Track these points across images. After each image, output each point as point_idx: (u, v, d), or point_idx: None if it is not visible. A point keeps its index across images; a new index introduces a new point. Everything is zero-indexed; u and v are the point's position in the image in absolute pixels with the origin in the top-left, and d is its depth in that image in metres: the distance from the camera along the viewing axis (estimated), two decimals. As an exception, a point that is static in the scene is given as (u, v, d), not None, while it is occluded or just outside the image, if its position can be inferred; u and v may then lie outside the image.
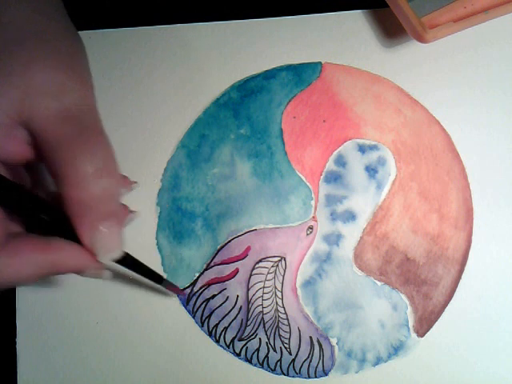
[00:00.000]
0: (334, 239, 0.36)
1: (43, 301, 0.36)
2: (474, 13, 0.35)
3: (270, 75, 0.38)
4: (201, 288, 0.36)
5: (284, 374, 0.35)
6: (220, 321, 0.36)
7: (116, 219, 0.25)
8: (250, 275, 0.36)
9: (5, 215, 0.25)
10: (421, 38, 0.35)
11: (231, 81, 0.38)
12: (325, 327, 0.35)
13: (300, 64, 0.38)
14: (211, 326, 0.36)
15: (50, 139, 0.24)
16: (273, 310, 0.36)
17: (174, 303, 0.36)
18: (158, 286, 0.33)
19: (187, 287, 0.36)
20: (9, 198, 0.25)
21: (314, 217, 0.36)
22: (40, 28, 0.26)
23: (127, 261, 0.29)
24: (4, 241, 0.25)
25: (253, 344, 0.35)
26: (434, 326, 0.35)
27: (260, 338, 0.35)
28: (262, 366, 0.35)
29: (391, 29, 0.39)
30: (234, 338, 0.35)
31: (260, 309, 0.36)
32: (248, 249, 0.36)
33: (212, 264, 0.36)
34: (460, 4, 0.36)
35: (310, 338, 0.35)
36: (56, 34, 0.26)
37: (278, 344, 0.35)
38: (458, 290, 0.35)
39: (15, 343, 0.36)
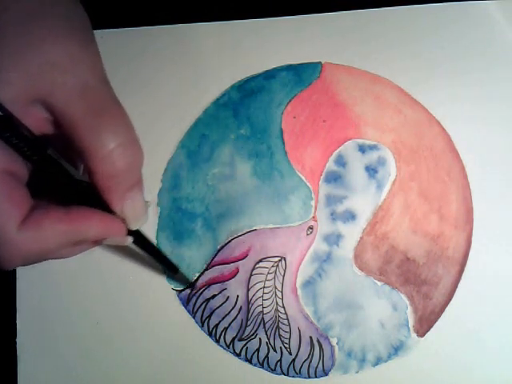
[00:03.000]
0: (334, 239, 0.36)
1: (43, 301, 0.36)
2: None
3: (270, 75, 0.38)
4: (201, 288, 0.36)
5: (284, 374, 0.35)
6: (220, 321, 0.36)
7: (140, 189, 0.27)
8: (250, 275, 0.36)
9: (26, 191, 0.25)
10: None
11: (231, 81, 0.38)
12: (325, 327, 0.35)
13: (300, 64, 0.38)
14: (211, 326, 0.36)
15: (72, 114, 0.24)
16: (273, 310, 0.36)
17: (174, 303, 0.36)
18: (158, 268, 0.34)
19: (187, 287, 0.36)
20: (33, 160, 0.25)
21: (314, 217, 0.37)
22: (51, 1, 0.25)
23: (142, 238, 0.30)
24: (28, 213, 0.25)
25: (253, 344, 0.35)
26: (433, 326, 0.35)
27: (260, 338, 0.35)
28: (262, 366, 0.35)
29: (391, 29, 0.39)
30: (234, 338, 0.35)
31: (260, 309, 0.36)
32: (248, 249, 0.36)
33: (212, 264, 0.36)
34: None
35: (310, 338, 0.35)
36: (67, 8, 0.26)
37: (278, 344, 0.35)
38: (457, 290, 0.35)
39: (15, 343, 0.36)
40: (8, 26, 0.24)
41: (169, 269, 0.34)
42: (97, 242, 0.28)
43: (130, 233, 0.28)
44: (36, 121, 0.25)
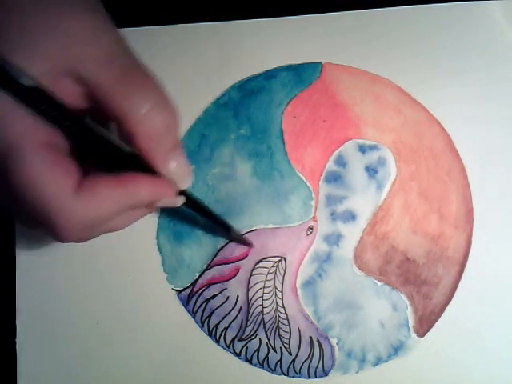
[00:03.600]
0: (334, 239, 0.36)
1: (43, 301, 0.36)
2: None
3: (270, 75, 0.38)
4: (201, 288, 0.36)
5: (284, 374, 0.35)
6: (220, 321, 0.36)
7: (180, 149, 0.27)
8: (250, 275, 0.36)
9: (74, 162, 0.26)
10: None
11: (231, 81, 0.38)
12: (325, 327, 0.35)
13: (300, 64, 0.38)
14: (211, 326, 0.36)
15: (102, 83, 0.24)
16: (273, 310, 0.36)
17: (174, 303, 0.36)
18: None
19: (187, 287, 0.36)
20: (78, 134, 0.25)
21: (314, 217, 0.37)
22: None
23: (192, 198, 0.31)
24: (80, 181, 0.25)
25: (253, 344, 0.35)
26: (434, 326, 0.35)
27: (260, 338, 0.35)
28: (262, 366, 0.35)
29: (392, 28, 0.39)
30: (234, 338, 0.35)
31: (260, 309, 0.36)
32: (248, 249, 0.36)
33: (212, 264, 0.36)
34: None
35: (310, 338, 0.35)
36: None
37: (278, 344, 0.35)
38: (457, 290, 0.35)
39: (15, 343, 0.36)
40: (25, 4, 0.24)
41: (222, 228, 0.35)
42: (149, 207, 0.28)
43: (180, 194, 0.29)
44: (68, 95, 0.25)
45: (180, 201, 0.29)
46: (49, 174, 0.24)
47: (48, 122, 0.24)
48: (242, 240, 0.36)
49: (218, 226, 0.35)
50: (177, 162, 0.27)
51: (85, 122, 0.25)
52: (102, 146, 0.26)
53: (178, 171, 0.27)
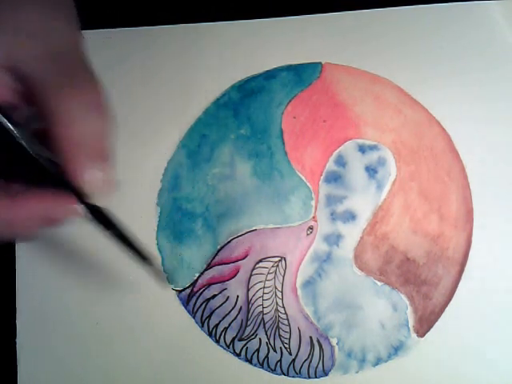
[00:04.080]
0: (334, 239, 0.36)
1: (43, 301, 0.36)
2: None
3: (270, 75, 0.38)
4: (201, 288, 0.36)
5: (284, 374, 0.35)
6: (220, 321, 0.36)
7: (107, 160, 0.26)
8: (250, 275, 0.36)
9: None
10: None
11: (231, 81, 0.38)
12: (325, 327, 0.35)
13: (300, 64, 0.38)
14: (211, 326, 0.36)
15: (39, 79, 0.24)
16: (273, 310, 0.36)
17: (174, 303, 0.36)
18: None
19: (187, 287, 0.36)
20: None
21: (314, 217, 0.36)
22: None
23: (107, 218, 0.28)
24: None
25: (253, 344, 0.35)
26: (433, 326, 0.35)
27: (260, 338, 0.35)
28: (262, 366, 0.35)
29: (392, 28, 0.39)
30: (234, 338, 0.35)
31: (260, 309, 0.36)
32: (248, 249, 0.36)
33: (212, 264, 0.36)
34: None
35: (310, 338, 0.35)
36: None
37: (278, 344, 0.35)
38: (457, 290, 0.35)
39: (15, 343, 0.36)
40: None
41: (138, 256, 0.29)
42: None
43: (89, 207, 0.26)
44: (3, 89, 0.25)
45: (75, 212, 0.27)
46: None
47: None
48: (160, 276, 0.32)
49: (133, 254, 0.29)
50: (96, 172, 0.25)
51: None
52: (4, 143, 0.25)
53: (95, 182, 0.25)
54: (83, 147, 0.25)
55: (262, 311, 0.36)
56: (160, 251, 0.36)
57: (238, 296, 0.36)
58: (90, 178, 0.25)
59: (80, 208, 0.26)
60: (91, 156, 0.25)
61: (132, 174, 0.37)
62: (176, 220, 0.37)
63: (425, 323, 0.35)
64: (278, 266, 0.36)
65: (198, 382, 0.35)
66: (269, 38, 0.39)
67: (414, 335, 0.35)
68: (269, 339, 0.35)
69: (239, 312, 0.36)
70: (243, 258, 0.36)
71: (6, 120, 0.25)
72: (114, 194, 0.26)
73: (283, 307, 0.36)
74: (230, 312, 0.36)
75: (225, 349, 0.35)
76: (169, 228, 0.37)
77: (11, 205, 0.25)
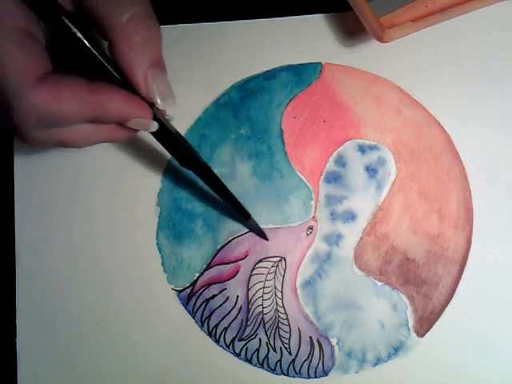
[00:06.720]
0: (334, 239, 0.36)
1: (43, 301, 0.36)
2: (435, 12, 0.35)
3: (270, 75, 0.38)
4: (201, 288, 0.36)
5: (284, 374, 0.35)
6: (220, 321, 0.36)
7: (164, 71, 0.27)
8: (250, 275, 0.36)
9: (46, 54, 0.25)
10: (380, 38, 0.35)
11: (231, 81, 0.38)
12: (325, 327, 0.35)
13: (300, 64, 0.38)
14: (211, 326, 0.36)
15: None
16: (273, 310, 0.36)
17: (174, 303, 0.36)
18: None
19: (187, 287, 0.36)
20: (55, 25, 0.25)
21: (314, 217, 0.37)
22: None
23: (167, 131, 0.29)
24: (47, 73, 0.25)
25: (253, 344, 0.35)
26: (433, 326, 0.35)
27: (260, 338, 0.35)
28: (262, 366, 0.35)
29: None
30: (234, 338, 0.35)
31: (260, 309, 0.36)
32: (248, 249, 0.36)
33: (212, 264, 0.36)
34: (421, 3, 0.36)
35: (310, 338, 0.35)
36: None
37: (278, 344, 0.35)
38: (458, 290, 0.35)
39: (15, 343, 0.36)
40: None
41: (195, 171, 0.32)
42: (117, 131, 0.27)
43: (156, 120, 0.27)
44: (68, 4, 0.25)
45: (154, 126, 0.28)
46: (14, 55, 0.24)
47: (27, 10, 0.24)
48: (259, 231, 0.36)
49: (191, 168, 0.32)
50: (156, 81, 0.26)
51: (61, 18, 0.25)
52: (78, 47, 0.25)
53: (158, 89, 0.26)
54: (144, 54, 0.26)
55: (262, 311, 0.36)
56: (160, 251, 0.36)
57: (237, 296, 0.36)
58: (149, 85, 0.26)
59: (150, 117, 0.27)
60: (147, 63, 0.26)
61: (132, 174, 0.37)
62: (176, 220, 0.37)
63: (425, 323, 0.35)
64: (277, 266, 0.36)
65: (197, 382, 0.35)
66: (269, 38, 0.39)
67: (413, 335, 0.35)
68: (269, 339, 0.35)
69: (239, 312, 0.36)
70: (243, 258, 0.36)
71: (77, 31, 0.25)
72: (174, 102, 0.27)
73: (283, 307, 0.36)
74: (229, 312, 0.36)
75: (225, 349, 0.35)
76: (169, 228, 0.37)
77: (94, 90, 0.25)
